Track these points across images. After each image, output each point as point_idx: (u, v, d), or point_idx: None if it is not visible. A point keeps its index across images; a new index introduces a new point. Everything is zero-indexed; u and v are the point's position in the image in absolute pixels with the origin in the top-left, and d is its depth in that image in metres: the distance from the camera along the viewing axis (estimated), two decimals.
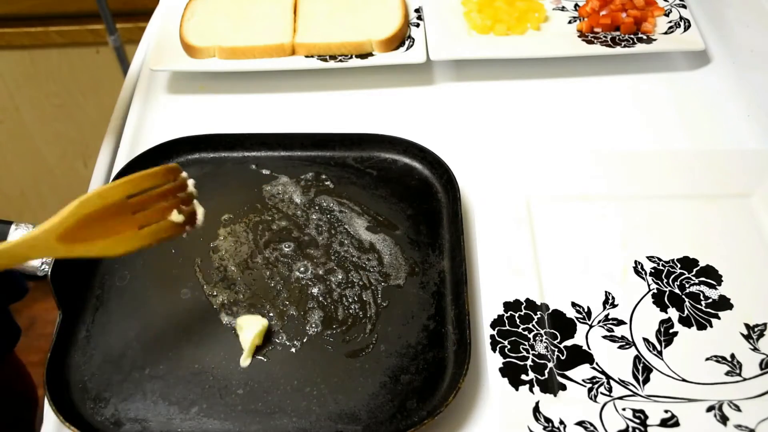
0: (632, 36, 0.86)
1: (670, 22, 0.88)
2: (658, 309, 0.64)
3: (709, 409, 0.57)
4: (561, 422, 0.56)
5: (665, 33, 0.87)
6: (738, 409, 0.57)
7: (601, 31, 0.88)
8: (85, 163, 1.78)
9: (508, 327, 0.62)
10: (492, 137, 0.81)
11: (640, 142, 0.81)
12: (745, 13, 0.89)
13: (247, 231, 0.71)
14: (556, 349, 0.61)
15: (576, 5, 0.93)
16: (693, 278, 0.66)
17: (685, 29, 0.87)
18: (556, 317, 0.63)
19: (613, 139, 0.81)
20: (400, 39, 0.87)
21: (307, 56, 0.86)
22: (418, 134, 0.77)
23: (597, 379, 0.59)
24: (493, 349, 0.61)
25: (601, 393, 0.59)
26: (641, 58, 0.88)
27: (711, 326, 0.62)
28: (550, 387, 0.59)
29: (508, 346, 0.61)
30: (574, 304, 0.64)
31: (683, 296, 0.64)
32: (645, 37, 0.86)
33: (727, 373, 0.59)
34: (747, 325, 0.62)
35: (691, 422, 0.56)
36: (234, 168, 0.77)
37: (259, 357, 0.62)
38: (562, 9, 0.93)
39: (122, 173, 0.74)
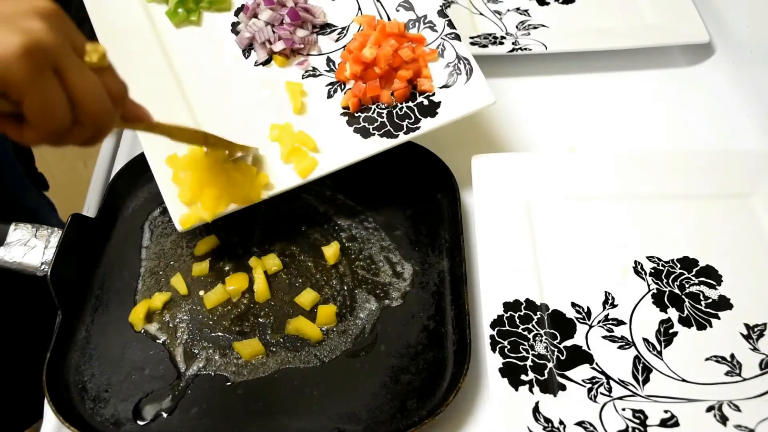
0: (411, 107, 0.70)
1: (448, 65, 0.71)
2: (658, 309, 0.64)
3: (709, 409, 0.57)
4: (561, 422, 0.56)
5: (445, 87, 0.70)
6: (738, 409, 0.57)
7: (373, 103, 0.70)
8: (85, 163, 1.77)
9: (507, 327, 0.62)
10: (492, 137, 0.81)
11: (640, 142, 0.81)
12: (745, 12, 0.89)
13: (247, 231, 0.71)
14: (556, 349, 0.61)
15: (329, 62, 0.75)
16: (693, 278, 0.66)
17: (468, 76, 0.70)
18: (555, 317, 0.63)
19: (612, 138, 0.81)
20: None
21: None
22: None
23: (597, 380, 0.59)
24: (493, 350, 0.61)
25: (601, 393, 0.59)
26: (639, 55, 0.88)
27: (711, 326, 0.62)
28: (550, 387, 0.59)
29: (508, 347, 0.61)
30: (573, 304, 0.64)
31: (683, 296, 0.64)
32: (427, 102, 0.70)
33: (727, 373, 0.59)
34: (747, 325, 0.62)
35: (691, 422, 0.56)
36: None
37: (260, 357, 0.62)
38: (314, 74, 0.74)
39: (122, 173, 0.74)
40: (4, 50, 0.38)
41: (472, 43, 0.87)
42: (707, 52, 0.89)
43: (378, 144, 0.68)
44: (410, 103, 0.70)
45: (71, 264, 0.65)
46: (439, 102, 0.70)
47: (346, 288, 0.67)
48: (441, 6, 0.74)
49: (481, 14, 0.93)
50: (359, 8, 0.77)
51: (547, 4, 0.94)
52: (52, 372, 0.60)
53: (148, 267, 0.69)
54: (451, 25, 0.73)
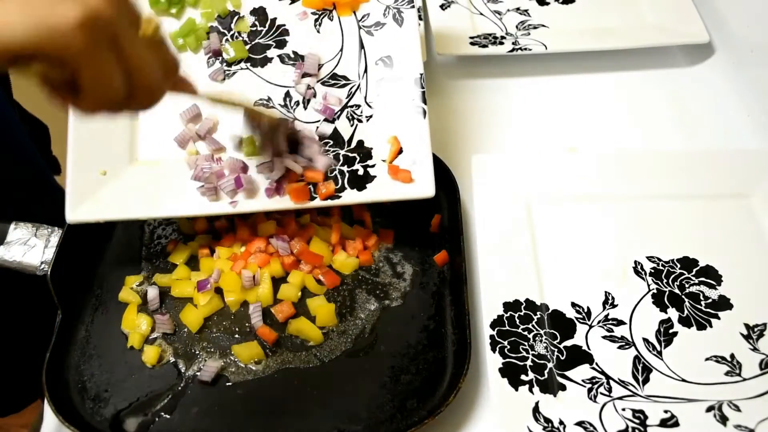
0: (342, 171, 0.66)
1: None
2: (658, 309, 0.64)
3: (709, 409, 0.57)
4: (561, 422, 0.56)
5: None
6: (738, 409, 0.57)
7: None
8: None
9: (507, 327, 0.62)
10: (492, 137, 0.81)
11: (640, 142, 0.80)
12: (745, 12, 0.89)
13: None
14: (556, 350, 0.61)
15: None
16: (693, 278, 0.66)
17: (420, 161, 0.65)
18: (555, 317, 0.63)
19: (612, 138, 0.81)
20: None
21: None
22: None
23: (597, 380, 0.59)
24: (493, 350, 0.61)
25: (601, 393, 0.59)
26: (639, 55, 0.88)
27: (711, 326, 0.62)
28: (550, 387, 0.59)
29: (508, 347, 0.61)
30: (573, 304, 0.64)
31: (683, 296, 0.64)
32: (362, 171, 0.66)
33: (727, 373, 0.59)
34: (747, 325, 0.62)
35: (690, 422, 0.56)
36: None
37: (260, 357, 0.62)
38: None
39: None
40: (64, 21, 0.39)
41: (471, 43, 0.87)
42: (707, 52, 0.89)
43: (280, 202, 0.64)
44: (344, 168, 0.66)
45: (71, 264, 0.65)
46: (375, 177, 0.66)
47: (346, 288, 0.67)
48: (420, 75, 0.67)
49: (481, 14, 0.93)
50: (342, 50, 0.71)
51: (547, 4, 0.94)
52: (52, 371, 0.60)
53: (147, 267, 0.69)
54: (422, 98, 0.67)
